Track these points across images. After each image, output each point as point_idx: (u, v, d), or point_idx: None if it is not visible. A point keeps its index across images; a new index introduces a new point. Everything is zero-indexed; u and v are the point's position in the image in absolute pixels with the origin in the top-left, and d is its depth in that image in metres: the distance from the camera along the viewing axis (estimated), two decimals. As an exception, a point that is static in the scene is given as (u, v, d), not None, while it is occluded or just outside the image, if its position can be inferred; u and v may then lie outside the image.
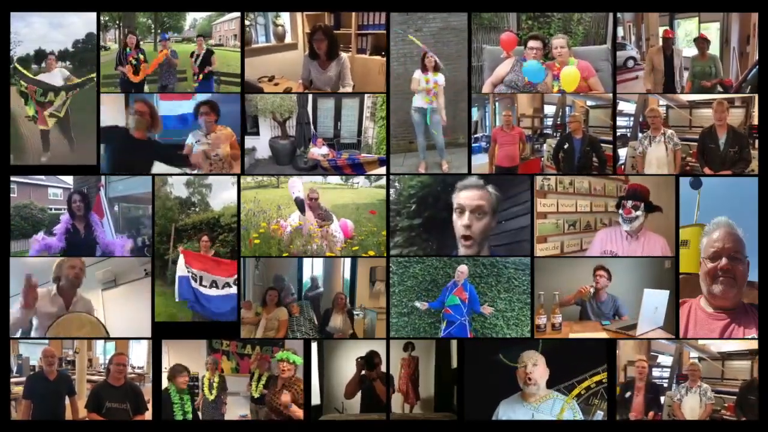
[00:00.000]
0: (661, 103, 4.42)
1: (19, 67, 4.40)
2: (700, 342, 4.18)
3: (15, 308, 4.26)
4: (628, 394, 4.26)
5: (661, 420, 4.23)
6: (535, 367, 3.84)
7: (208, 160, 4.41)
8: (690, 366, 4.21)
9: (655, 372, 4.28)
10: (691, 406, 4.16)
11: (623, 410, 4.25)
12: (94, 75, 4.42)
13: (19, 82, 4.40)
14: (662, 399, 4.26)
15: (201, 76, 4.58)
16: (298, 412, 4.15)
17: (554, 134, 4.59)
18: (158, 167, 4.44)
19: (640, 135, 4.41)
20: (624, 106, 4.45)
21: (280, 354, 4.22)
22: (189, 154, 4.43)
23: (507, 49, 4.51)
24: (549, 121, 4.62)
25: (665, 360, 4.29)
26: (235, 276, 4.35)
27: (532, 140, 4.63)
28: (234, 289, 4.35)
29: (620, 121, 4.44)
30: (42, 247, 4.35)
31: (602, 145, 4.43)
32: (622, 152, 4.44)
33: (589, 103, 4.50)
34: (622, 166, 4.42)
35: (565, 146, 4.48)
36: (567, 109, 4.55)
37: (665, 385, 4.28)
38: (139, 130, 4.39)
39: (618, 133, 4.40)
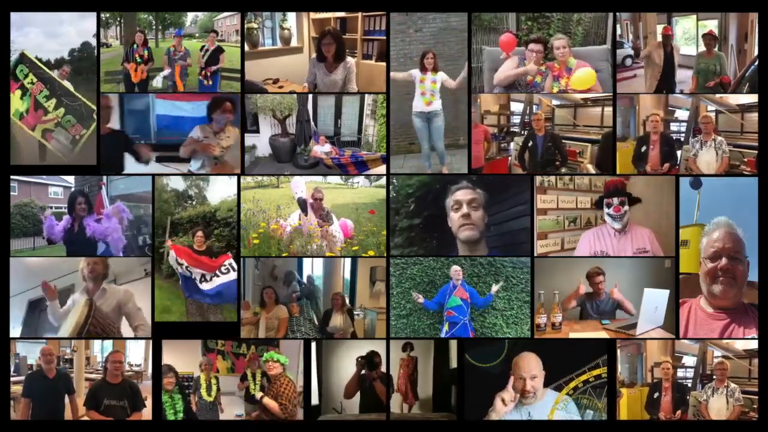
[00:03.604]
0: (710, 108, 4.41)
1: (32, 57, 4.37)
2: (725, 341, 4.16)
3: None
4: (656, 395, 4.26)
5: (659, 420, 4.22)
6: (535, 379, 3.79)
7: (214, 160, 4.40)
8: (718, 365, 4.18)
9: (680, 372, 4.28)
10: (718, 407, 4.14)
11: (653, 410, 4.25)
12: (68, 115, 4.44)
13: (27, 75, 4.39)
14: (688, 398, 4.25)
15: (211, 77, 4.57)
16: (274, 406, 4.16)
17: (522, 132, 4.57)
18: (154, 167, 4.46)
19: (692, 139, 4.40)
20: (679, 114, 4.48)
21: (267, 355, 4.23)
22: (195, 148, 4.39)
23: (506, 51, 4.52)
24: (516, 119, 4.61)
25: (689, 360, 4.28)
26: (223, 265, 4.36)
27: (498, 139, 4.59)
28: (223, 278, 4.36)
29: (673, 127, 4.46)
30: (50, 223, 4.33)
31: (564, 141, 4.47)
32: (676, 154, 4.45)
33: (555, 102, 4.54)
34: (677, 167, 4.39)
35: (530, 144, 4.49)
36: (534, 107, 4.56)
37: (689, 385, 4.27)
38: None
39: (674, 138, 4.41)
